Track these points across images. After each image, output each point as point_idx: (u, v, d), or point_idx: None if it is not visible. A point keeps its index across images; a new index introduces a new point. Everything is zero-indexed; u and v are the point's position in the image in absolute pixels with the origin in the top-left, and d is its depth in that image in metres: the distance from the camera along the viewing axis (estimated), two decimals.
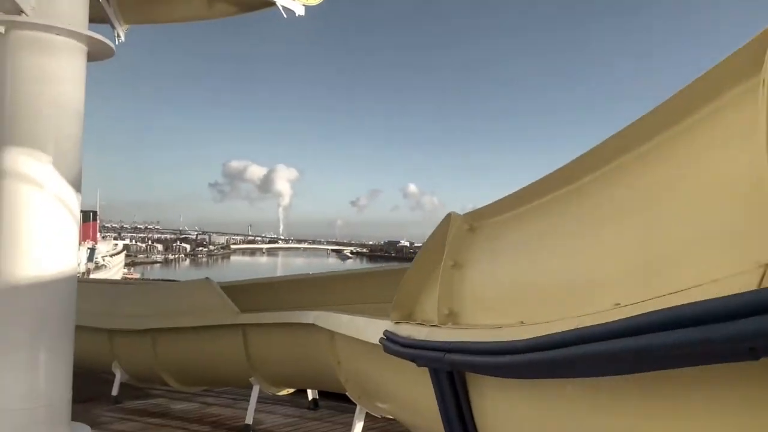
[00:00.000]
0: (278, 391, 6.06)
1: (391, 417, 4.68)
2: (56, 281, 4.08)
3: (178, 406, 6.70)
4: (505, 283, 2.24)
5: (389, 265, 6.88)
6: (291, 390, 6.25)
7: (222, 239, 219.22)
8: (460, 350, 2.09)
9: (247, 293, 6.72)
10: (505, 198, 2.31)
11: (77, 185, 4.31)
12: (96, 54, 4.67)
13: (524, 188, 2.14)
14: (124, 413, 6.38)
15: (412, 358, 2.43)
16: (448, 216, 2.66)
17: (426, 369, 2.39)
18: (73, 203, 4.24)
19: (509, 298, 2.14)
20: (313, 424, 6.02)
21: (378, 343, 2.96)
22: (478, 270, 2.46)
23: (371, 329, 3.27)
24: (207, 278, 6.24)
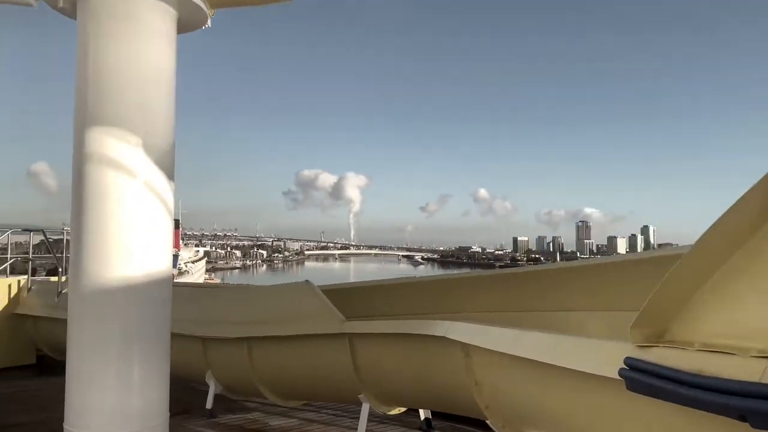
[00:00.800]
0: (390, 411, 5.30)
1: None
2: (151, 285, 3.48)
3: (277, 422, 6.07)
4: None
5: (506, 270, 5.98)
6: (403, 409, 5.47)
7: (296, 245, 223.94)
8: None
9: (350, 298, 6.03)
10: None
11: (170, 173, 3.70)
12: (186, 21, 4.09)
13: None
14: (219, 429, 5.81)
15: (721, 408, 1.55)
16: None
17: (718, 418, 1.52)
18: (166, 193, 3.64)
19: None
20: None
21: (583, 371, 2.13)
22: None
23: (566, 350, 2.43)
24: (307, 281, 5.57)
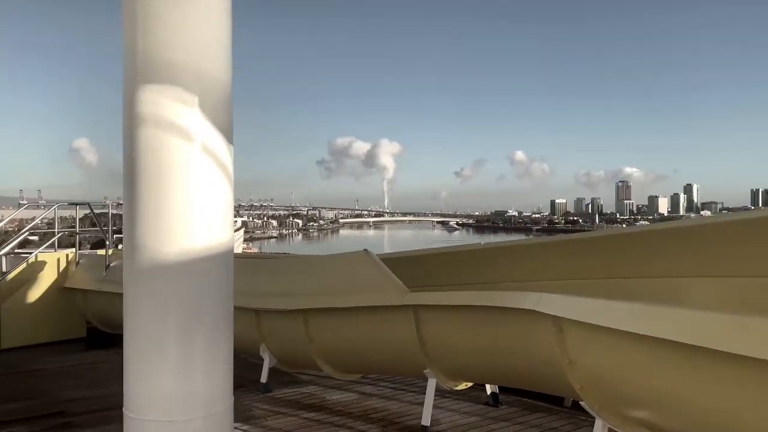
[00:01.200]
0: (457, 386, 4.98)
1: None
2: (212, 259, 3.17)
3: (334, 396, 5.84)
4: None
5: (581, 234, 5.51)
6: (470, 384, 5.14)
7: (331, 214, 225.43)
8: None
9: (406, 267, 5.67)
10: None
11: (229, 135, 3.34)
12: None
13: None
14: (276, 404, 5.60)
15: None
16: None
17: None
18: (226, 157, 3.29)
19: None
20: (500, 426, 4.90)
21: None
22: None
23: (720, 329, 2.02)
24: (366, 250, 5.23)
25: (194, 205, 3.11)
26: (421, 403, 5.35)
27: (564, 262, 5.02)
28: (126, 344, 3.23)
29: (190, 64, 3.15)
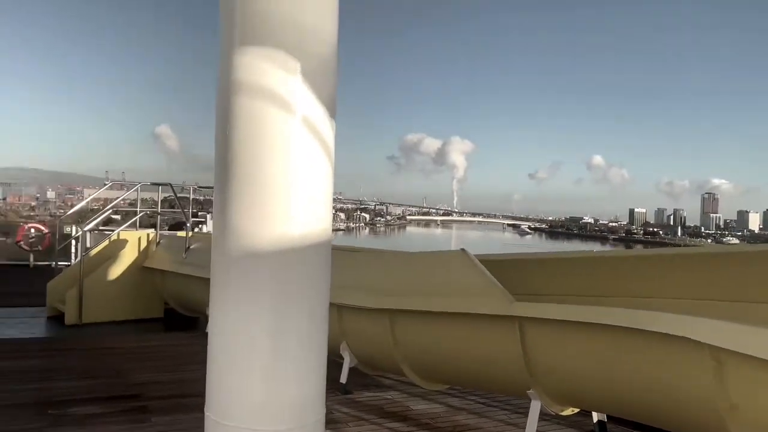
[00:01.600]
0: (563, 411, 4.41)
1: None
2: (310, 248, 2.77)
3: (419, 406, 5.38)
4: None
5: (717, 247, 4.79)
6: (577, 410, 4.56)
7: (398, 210, 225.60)
8: None
9: (502, 271, 5.13)
10: None
11: (332, 108, 2.93)
12: None
13: None
14: (357, 409, 5.20)
15: None
16: None
17: None
18: (328, 133, 2.88)
19: None
20: None
21: None
22: None
23: None
24: (463, 250, 4.73)
25: (294, 185, 2.71)
26: (517, 424, 4.84)
27: (687, 277, 4.36)
28: (211, 338, 2.88)
29: (293, 23, 2.75)
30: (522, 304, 4.19)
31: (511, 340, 4.17)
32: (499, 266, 5.34)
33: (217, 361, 2.84)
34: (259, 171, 2.68)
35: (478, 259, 4.71)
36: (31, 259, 14.47)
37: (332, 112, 2.91)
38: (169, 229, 12.36)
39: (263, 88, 2.69)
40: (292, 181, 2.70)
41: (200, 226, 11.93)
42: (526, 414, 5.22)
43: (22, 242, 14.36)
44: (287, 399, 2.76)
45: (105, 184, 15.77)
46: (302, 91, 2.74)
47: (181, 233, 9.46)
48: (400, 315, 5.07)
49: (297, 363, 2.80)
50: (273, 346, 2.75)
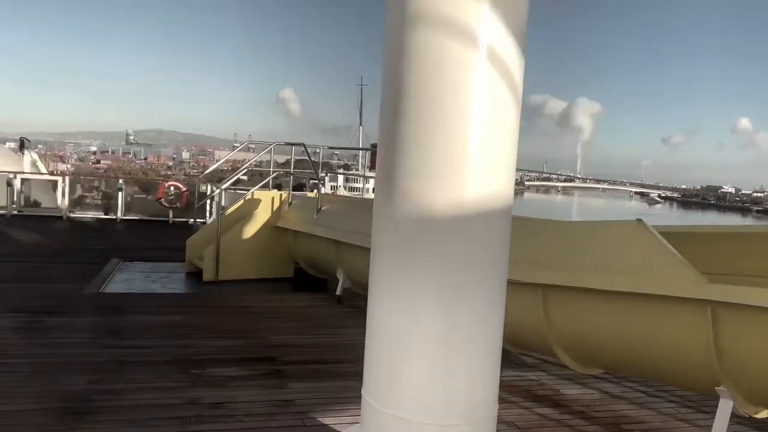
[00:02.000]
0: (758, 413, 3.70)
1: None
2: (490, 215, 2.32)
3: (571, 390, 4.85)
4: None
5: None
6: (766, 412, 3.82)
7: (516, 175, 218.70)
8: None
9: (685, 246, 4.37)
10: None
11: (523, 45, 2.40)
12: None
13: None
14: (501, 389, 4.75)
15: None
16: None
17: None
18: (516, 77, 2.36)
19: None
20: None
21: None
22: None
23: None
24: (640, 220, 4.06)
25: (474, 139, 2.24)
26: (688, 421, 4.21)
27: None
28: (370, 316, 2.53)
29: None
30: (717, 286, 3.50)
31: (700, 328, 3.52)
32: (675, 238, 4.60)
33: (376, 340, 2.49)
34: (434, 120, 2.24)
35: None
36: (170, 215, 15.33)
37: (523, 47, 2.39)
38: (293, 190, 12.50)
39: (443, 18, 2.21)
40: (472, 132, 2.23)
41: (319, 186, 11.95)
42: (695, 408, 4.54)
43: (162, 199, 15.23)
44: (455, 390, 2.35)
45: (235, 146, 16.28)
46: (490, 20, 2.23)
47: (312, 194, 9.37)
48: (555, 292, 4.52)
49: (468, 350, 2.37)
50: (442, 328, 2.34)
